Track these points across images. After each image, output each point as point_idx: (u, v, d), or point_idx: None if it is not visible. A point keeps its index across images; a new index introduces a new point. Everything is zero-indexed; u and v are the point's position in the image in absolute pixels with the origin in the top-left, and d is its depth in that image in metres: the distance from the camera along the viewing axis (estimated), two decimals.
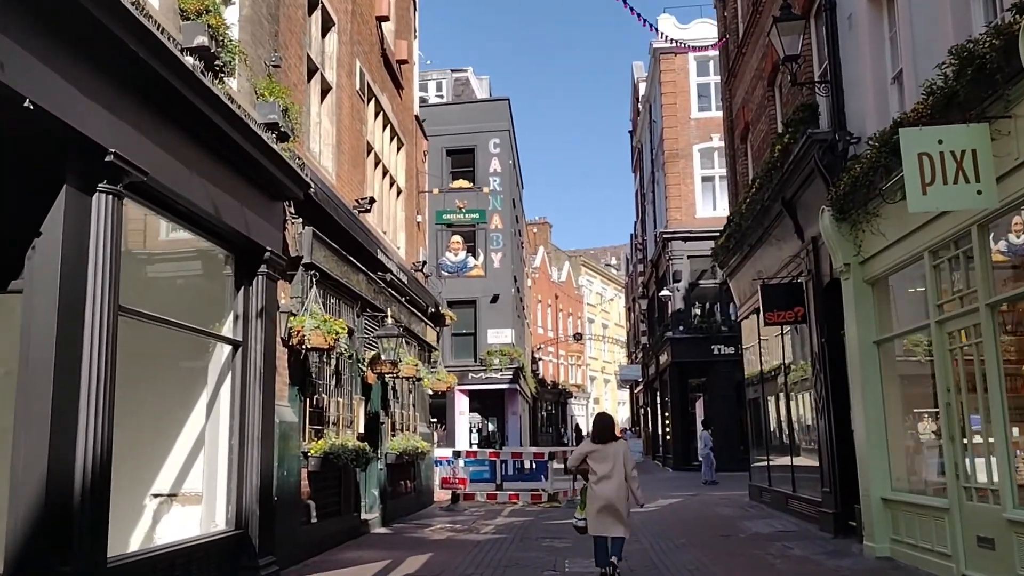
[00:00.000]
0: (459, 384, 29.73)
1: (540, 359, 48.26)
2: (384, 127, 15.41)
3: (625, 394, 71.97)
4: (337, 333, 9.27)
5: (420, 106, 20.53)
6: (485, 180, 29.54)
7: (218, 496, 8.01)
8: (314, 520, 9.94)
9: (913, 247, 8.42)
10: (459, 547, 11.09)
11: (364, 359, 12.40)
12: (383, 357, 11.92)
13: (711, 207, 29.61)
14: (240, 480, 8.11)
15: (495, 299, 30.53)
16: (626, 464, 8.03)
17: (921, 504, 8.68)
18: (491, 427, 32.79)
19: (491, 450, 20.79)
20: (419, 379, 15.99)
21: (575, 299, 64.01)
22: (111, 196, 5.79)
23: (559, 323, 57.98)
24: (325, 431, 10.35)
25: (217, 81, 7.12)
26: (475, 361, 30.75)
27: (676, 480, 25.02)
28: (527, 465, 22.42)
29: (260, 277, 8.50)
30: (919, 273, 8.57)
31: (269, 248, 8.49)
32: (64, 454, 5.30)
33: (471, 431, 31.76)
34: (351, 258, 11.58)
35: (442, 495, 18.31)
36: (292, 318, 9.31)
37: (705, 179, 29.73)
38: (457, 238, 23.21)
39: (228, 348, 8.28)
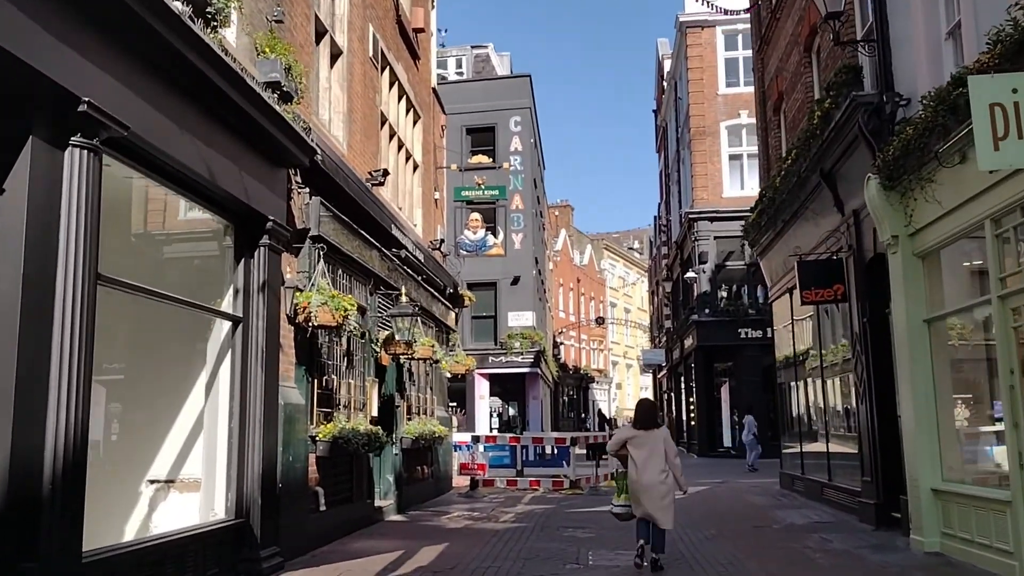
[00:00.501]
0: (479, 368, 29.22)
1: (562, 343, 47.65)
2: (400, 98, 14.78)
3: (648, 379, 71.19)
4: (346, 310, 8.67)
5: (439, 83, 19.89)
6: (506, 159, 28.82)
7: (217, 483, 7.47)
8: (323, 508, 9.39)
9: (972, 215, 7.67)
10: (476, 536, 10.51)
11: (378, 339, 11.82)
12: (397, 337, 11.33)
13: (739, 186, 28.77)
14: (241, 466, 7.56)
15: (516, 281, 29.87)
16: (668, 450, 7.91)
17: (978, 496, 7.97)
18: (512, 412, 32.23)
19: (511, 435, 20.23)
20: (436, 361, 15.40)
21: (597, 283, 63.25)
22: (86, 151, 5.20)
23: (581, 307, 57.29)
24: (335, 414, 9.79)
25: (209, 30, 6.50)
26: (495, 344, 30.16)
27: (702, 467, 24.34)
28: (548, 451, 21.88)
29: (262, 249, 7.91)
30: (978, 244, 7.83)
31: (272, 218, 7.90)
32: (31, 439, 4.73)
33: (491, 416, 31.22)
34: (363, 232, 10.99)
35: (461, 481, 17.78)
36: (298, 294, 8.73)
37: (733, 157, 28.86)
38: (476, 216, 22.44)
39: (228, 325, 7.71)
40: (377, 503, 11.95)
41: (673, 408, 38.18)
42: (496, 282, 29.80)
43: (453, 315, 17.95)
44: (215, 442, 7.53)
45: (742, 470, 22.22)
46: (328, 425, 9.35)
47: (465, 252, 21.66)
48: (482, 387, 30.83)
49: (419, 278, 14.52)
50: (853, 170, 10.72)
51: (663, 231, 40.62)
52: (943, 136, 7.65)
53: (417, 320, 12.57)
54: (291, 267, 9.02)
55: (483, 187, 22.78)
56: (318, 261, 9.09)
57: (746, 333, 27.21)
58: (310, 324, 8.58)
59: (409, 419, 13.85)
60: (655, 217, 47.13)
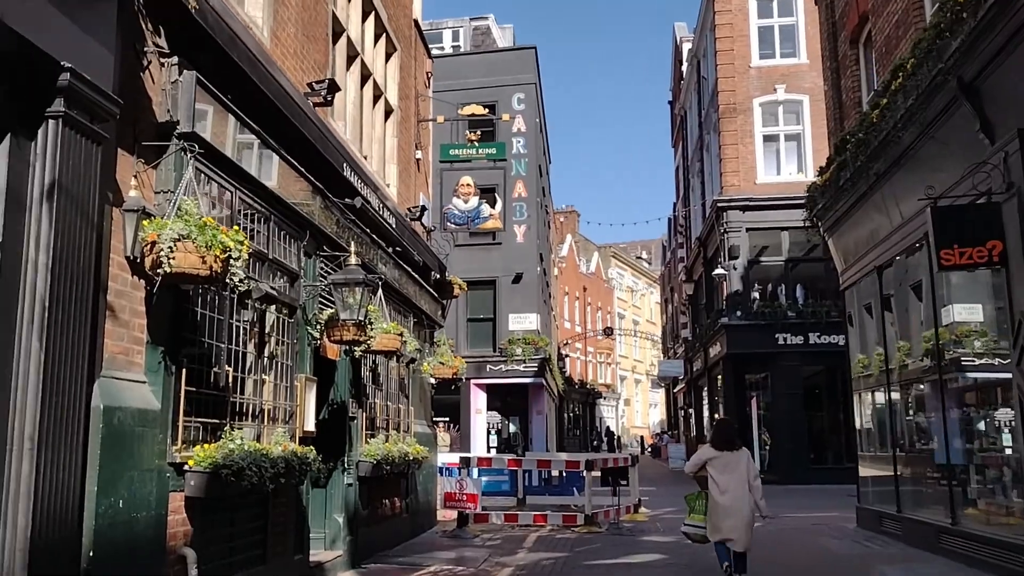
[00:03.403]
0: (475, 377, 25.52)
1: (567, 356, 43.92)
2: (367, 15, 11.24)
3: (658, 395, 67.48)
4: (226, 250, 5.05)
5: (435, 56, 16.39)
6: (507, 140, 25.22)
7: None
8: None
9: None
10: None
11: (318, 321, 8.20)
12: (343, 317, 7.69)
13: (774, 171, 25.20)
14: None
15: (518, 279, 26.16)
16: (749, 472, 7.71)
17: None
18: (513, 428, 28.40)
19: (510, 456, 16.49)
20: (412, 361, 11.76)
21: (604, 292, 59.61)
22: None
23: (587, 317, 53.64)
24: (228, 428, 6.13)
25: None
26: (494, 351, 26.38)
27: None
28: (556, 474, 18.16)
29: (52, 124, 4.31)
30: None
31: (73, 67, 4.29)
32: None
33: (489, 432, 27.41)
34: (290, 159, 7.40)
35: (447, 514, 14.11)
36: (145, 222, 5.11)
37: (767, 139, 25.28)
38: (467, 180, 18.56)
39: None
40: (315, 557, 8.28)
41: (693, 426, 34.40)
42: (495, 280, 26.08)
43: (439, 308, 14.33)
44: None
45: (786, 498, 18.34)
46: (208, 446, 5.70)
47: (454, 225, 17.81)
48: (479, 399, 27.03)
49: (390, 250, 10.92)
50: (1015, 74, 7.20)
51: (680, 231, 37.00)
52: None
53: (376, 295, 8.93)
54: (146, 181, 5.42)
55: (476, 144, 18.92)
56: (185, 168, 5.46)
57: (784, 339, 23.52)
58: (160, 271, 4.95)
59: (372, 436, 10.21)
60: (670, 219, 43.55)
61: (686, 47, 34.39)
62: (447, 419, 23.61)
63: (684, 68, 34.52)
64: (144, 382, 5.28)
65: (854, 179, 11.23)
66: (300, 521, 7.81)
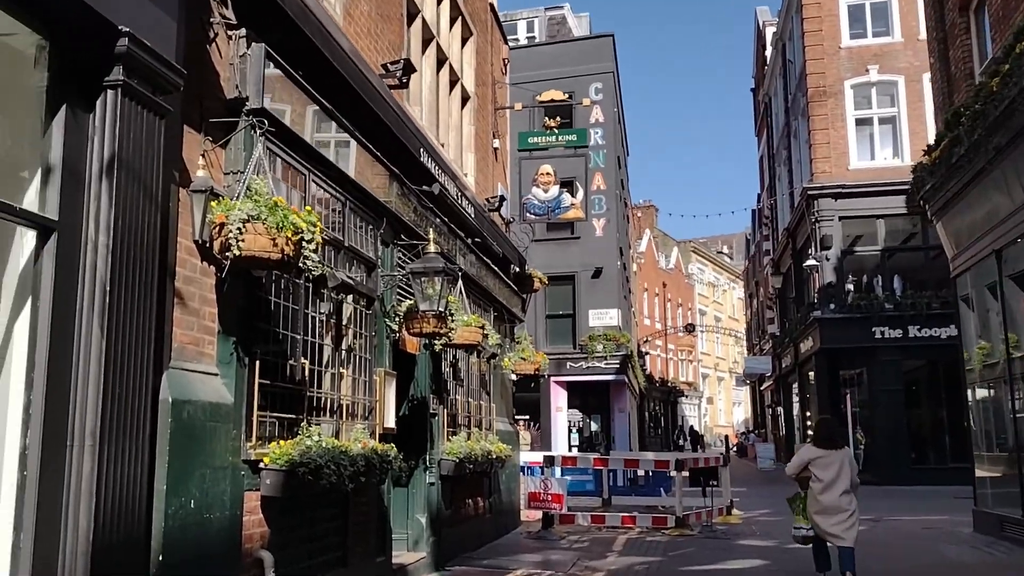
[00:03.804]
0: (555, 375, 25.02)
1: (647, 353, 43.00)
2: None
3: (741, 393, 65.77)
4: (297, 232, 4.69)
5: (510, 48, 15.94)
6: (585, 131, 24.57)
7: None
8: None
9: None
10: None
11: (396, 313, 7.84)
12: (422, 307, 7.29)
13: (868, 156, 23.96)
14: (50, 524, 3.63)
15: (597, 273, 25.52)
16: (851, 471, 7.65)
17: None
18: (594, 427, 27.78)
19: (595, 456, 15.93)
20: (494, 356, 11.36)
21: (685, 288, 58.33)
22: None
23: (667, 314, 52.51)
24: (303, 424, 5.79)
25: None
26: (574, 347, 25.79)
27: None
28: (641, 474, 17.52)
29: (112, 94, 4.00)
30: None
31: (132, 32, 3.97)
32: None
33: (570, 431, 26.85)
34: (365, 141, 7.05)
35: (531, 514, 13.67)
36: (214, 204, 4.79)
37: (860, 122, 24.03)
38: (547, 168, 17.93)
39: (29, 236, 3.83)
40: (398, 559, 7.93)
41: (782, 425, 33.18)
42: (575, 275, 25.49)
43: (519, 302, 13.90)
44: None
45: (888, 500, 17.28)
46: (285, 443, 5.36)
47: (533, 215, 17.23)
48: (559, 397, 26.51)
49: (469, 240, 10.54)
50: None
51: (765, 222, 35.76)
52: None
53: (456, 286, 8.53)
54: (214, 161, 5.12)
55: (556, 131, 18.31)
56: (255, 146, 5.13)
57: (882, 332, 22.29)
58: (228, 254, 4.62)
59: (453, 434, 9.82)
60: (754, 210, 42.20)
61: (769, 31, 33.18)
62: (527, 417, 23.19)
63: (768, 53, 33.32)
64: (216, 374, 4.96)
65: (969, 155, 10.32)
66: (382, 521, 7.46)
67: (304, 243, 4.77)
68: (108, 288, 3.87)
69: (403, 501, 8.55)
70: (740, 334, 58.84)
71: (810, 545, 8.04)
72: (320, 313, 6.43)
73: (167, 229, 4.53)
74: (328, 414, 6.47)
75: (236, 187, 5.01)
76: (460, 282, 8.82)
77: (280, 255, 4.65)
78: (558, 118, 19.42)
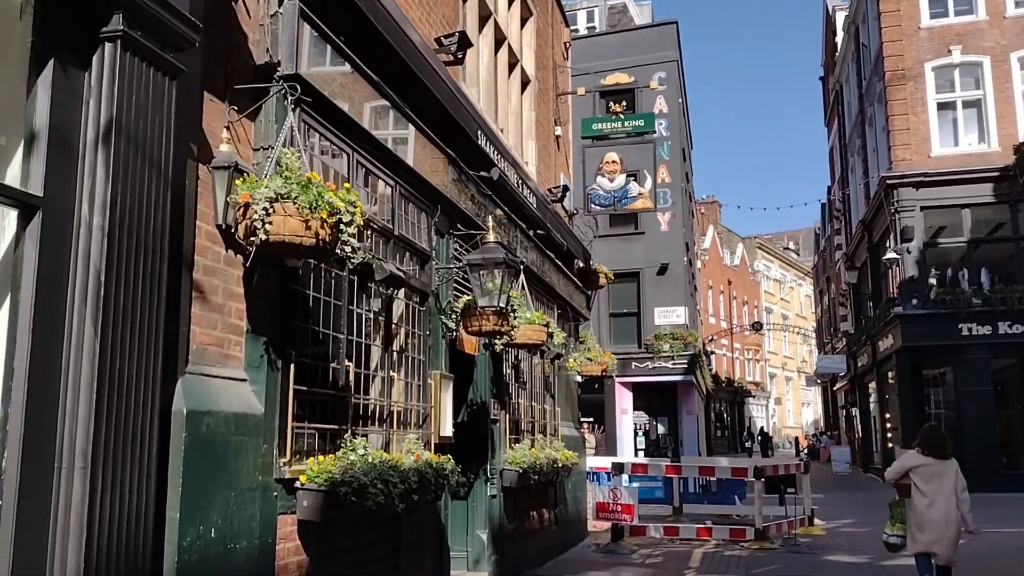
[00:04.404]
0: (620, 375, 24.11)
1: (712, 352, 41.71)
2: None
3: (810, 394, 63.81)
4: (334, 212, 3.99)
5: (571, 37, 15.14)
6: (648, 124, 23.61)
7: None
8: None
9: None
10: None
11: (453, 310, 7.13)
12: (481, 303, 6.56)
13: (951, 142, 22.47)
14: (30, 567, 2.99)
15: (663, 270, 24.52)
16: (957, 483, 7.04)
17: None
18: (661, 429, 26.75)
19: (667, 462, 15.02)
20: (559, 356, 10.59)
21: (751, 285, 56.69)
22: None
23: (733, 312, 51.02)
24: (347, 436, 5.09)
25: None
26: (639, 347, 24.81)
27: None
28: (713, 480, 16.53)
29: (109, 48, 3.35)
30: None
31: None
32: None
33: (636, 434, 25.87)
34: (417, 119, 6.35)
35: (599, 524, 12.84)
36: (238, 182, 4.12)
37: (942, 106, 22.56)
38: (613, 156, 17.00)
39: (9, 216, 3.19)
40: None
41: (858, 427, 31.65)
42: (639, 271, 24.53)
43: (584, 298, 13.10)
44: None
45: (979, 509, 15.87)
46: (326, 458, 4.67)
47: (599, 207, 16.33)
48: (624, 399, 25.55)
49: (531, 232, 9.79)
50: None
51: (837, 215, 34.21)
52: None
53: (518, 280, 7.77)
54: (241, 134, 4.46)
55: (622, 117, 17.31)
56: (287, 114, 4.45)
57: (969, 329, 20.83)
58: (254, 239, 3.94)
59: (516, 441, 9.08)
60: (824, 203, 40.56)
61: (840, 16, 31.70)
62: (590, 420, 22.34)
63: (838, 39, 31.83)
64: (244, 380, 4.30)
65: None
66: (439, 540, 6.76)
67: (343, 226, 4.07)
68: (104, 278, 3.22)
69: (462, 516, 7.85)
70: (809, 332, 56.95)
71: (897, 552, 7.68)
72: (367, 310, 5.75)
73: (183, 211, 3.88)
74: (377, 423, 5.78)
75: (267, 165, 4.34)
76: (522, 276, 8.07)
77: (314, 240, 3.96)
78: (624, 103, 18.51)
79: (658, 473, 14.17)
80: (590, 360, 11.44)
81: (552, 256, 10.84)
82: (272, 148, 4.42)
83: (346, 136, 5.36)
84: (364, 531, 5.35)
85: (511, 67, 10.63)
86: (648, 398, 26.18)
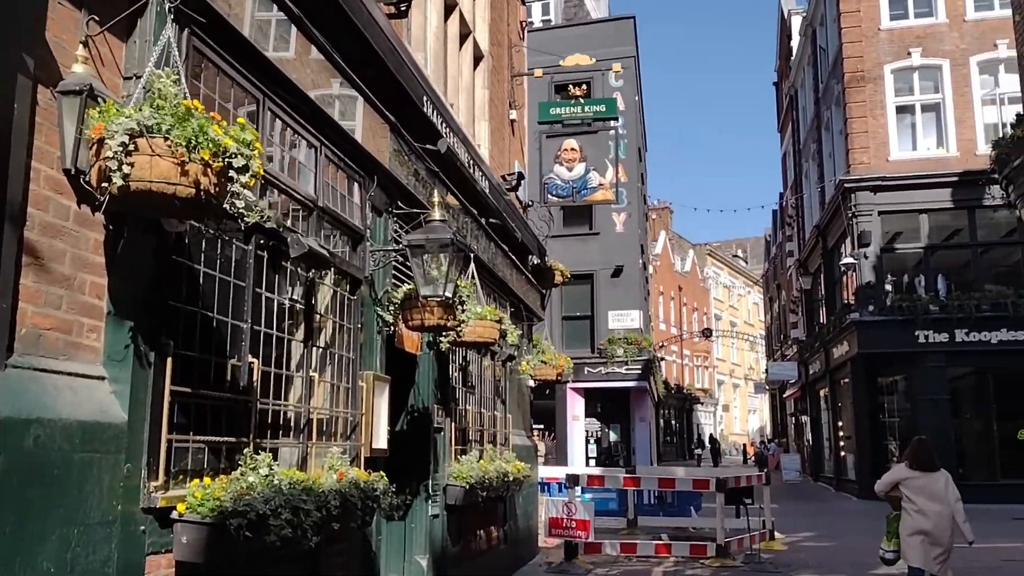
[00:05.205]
0: (572, 381, 23.21)
1: (663, 359, 41.19)
2: None
3: (757, 401, 63.88)
4: (222, 154, 2.96)
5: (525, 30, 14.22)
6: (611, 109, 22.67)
7: None
8: None
9: None
10: None
11: (391, 300, 6.11)
12: (423, 292, 5.55)
13: (910, 146, 22.15)
14: None
15: (618, 272, 23.73)
16: (950, 495, 7.01)
17: None
18: (613, 436, 25.95)
19: (624, 473, 14.15)
20: (510, 358, 9.63)
21: (701, 292, 56.50)
22: None
23: (683, 318, 50.68)
24: (246, 452, 4.03)
25: None
26: (592, 351, 24.00)
27: (870, 514, 17.64)
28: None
29: None
30: None
31: None
32: None
33: (588, 441, 25.02)
34: (348, 70, 5.33)
35: (550, 540, 11.90)
36: (93, 111, 3.06)
37: (901, 109, 22.23)
38: (572, 143, 16.03)
39: None
40: None
41: (808, 435, 31.30)
42: (593, 273, 23.71)
43: (539, 297, 12.17)
44: None
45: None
46: (216, 481, 3.62)
47: (556, 197, 15.38)
48: (576, 405, 24.69)
49: (483, 220, 8.82)
50: None
51: (789, 221, 33.91)
52: None
53: (468, 269, 6.79)
54: (98, 56, 3.40)
55: (582, 101, 16.31)
56: (164, 30, 3.40)
57: (926, 336, 20.45)
58: (109, 185, 2.89)
59: (463, 452, 8.08)
60: (775, 209, 40.37)
61: (796, 20, 31.42)
62: (542, 426, 21.43)
63: (794, 43, 31.54)
64: (101, 378, 3.24)
65: None
66: (370, 570, 5.72)
67: (233, 172, 3.04)
68: None
69: (399, 540, 6.81)
70: (755, 338, 56.96)
71: (891, 566, 7.56)
72: (283, 296, 4.71)
73: (8, 146, 2.82)
74: (292, 435, 4.74)
75: (136, 94, 3.29)
76: (472, 265, 7.09)
77: (193, 189, 2.92)
78: (583, 86, 17.62)
79: (615, 485, 13.29)
80: (545, 363, 10.52)
81: (506, 249, 9.89)
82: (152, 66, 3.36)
83: (256, 78, 4.32)
84: (269, 571, 4.29)
85: (463, 38, 9.65)
86: (601, 404, 25.36)
